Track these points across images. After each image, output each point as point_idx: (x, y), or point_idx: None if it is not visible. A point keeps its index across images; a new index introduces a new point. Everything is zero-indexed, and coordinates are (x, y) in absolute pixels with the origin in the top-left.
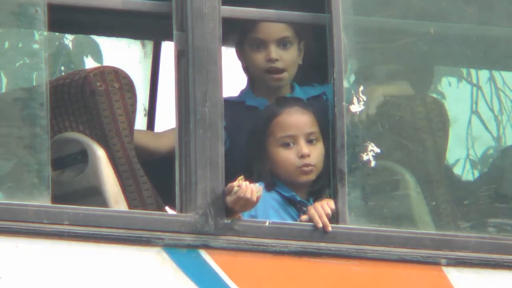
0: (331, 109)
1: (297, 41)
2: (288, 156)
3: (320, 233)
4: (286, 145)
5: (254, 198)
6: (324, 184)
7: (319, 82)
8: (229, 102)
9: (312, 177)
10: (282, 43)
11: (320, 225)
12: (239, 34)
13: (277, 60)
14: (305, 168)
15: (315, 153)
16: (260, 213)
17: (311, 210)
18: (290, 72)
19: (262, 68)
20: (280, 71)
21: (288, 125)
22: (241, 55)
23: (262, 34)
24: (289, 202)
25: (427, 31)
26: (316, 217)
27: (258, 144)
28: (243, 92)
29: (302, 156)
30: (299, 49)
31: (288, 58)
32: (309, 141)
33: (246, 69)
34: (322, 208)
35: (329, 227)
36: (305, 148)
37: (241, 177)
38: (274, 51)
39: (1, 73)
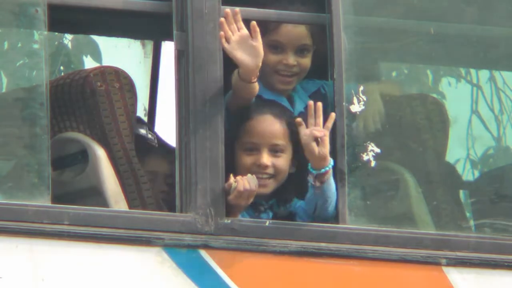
0: (331, 109)
1: (313, 49)
2: (246, 162)
3: (320, 233)
4: (249, 151)
5: (254, 187)
6: (291, 191)
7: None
8: None
9: (268, 189)
10: (301, 50)
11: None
12: None
13: (294, 66)
14: (260, 176)
15: (277, 164)
16: None
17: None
18: (300, 77)
19: (273, 68)
20: (291, 75)
21: (254, 132)
22: None
23: (283, 37)
24: None
25: (427, 31)
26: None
27: (229, 140)
28: None
29: (259, 166)
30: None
31: (304, 65)
32: (274, 151)
33: None
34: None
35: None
36: (265, 158)
37: (231, 174)
38: (292, 57)
39: (1, 73)
